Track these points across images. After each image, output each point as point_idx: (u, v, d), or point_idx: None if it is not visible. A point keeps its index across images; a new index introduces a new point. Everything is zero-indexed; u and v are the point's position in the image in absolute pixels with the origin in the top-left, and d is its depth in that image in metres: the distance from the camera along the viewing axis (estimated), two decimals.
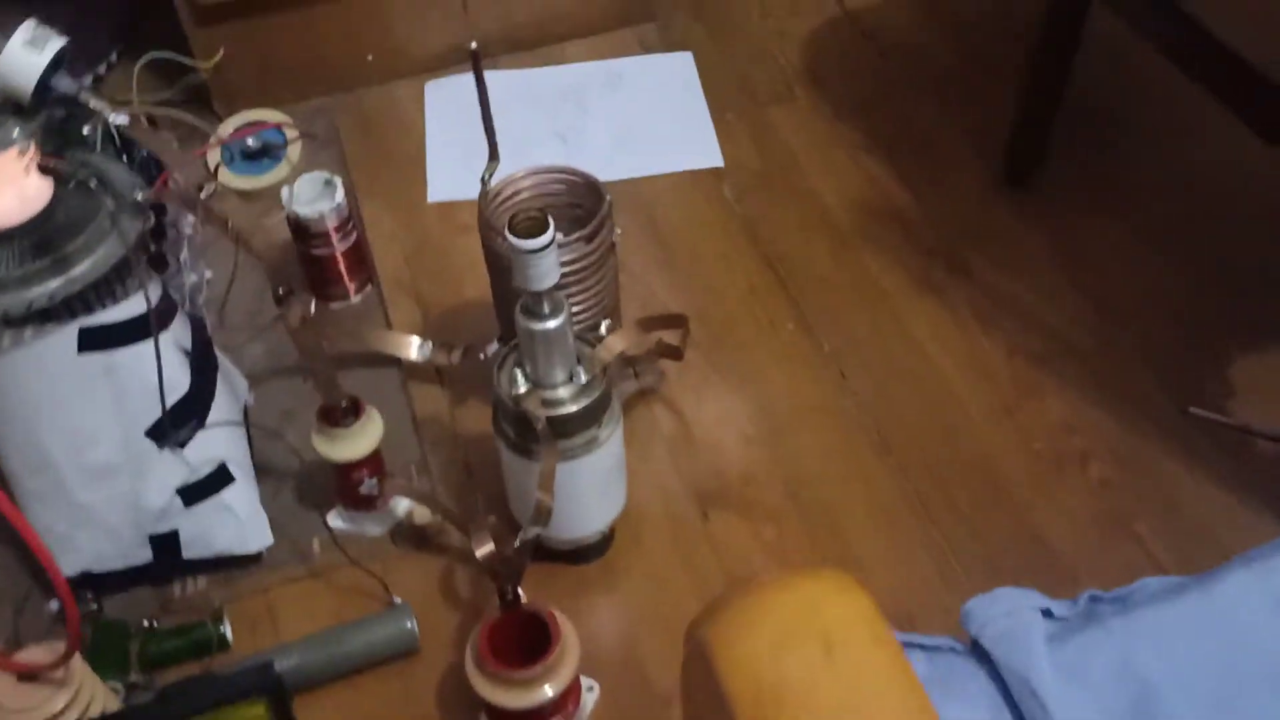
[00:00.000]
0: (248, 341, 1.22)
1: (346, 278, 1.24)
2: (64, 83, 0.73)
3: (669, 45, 1.55)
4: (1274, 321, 1.18)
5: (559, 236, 1.07)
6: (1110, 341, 1.16)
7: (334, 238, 1.19)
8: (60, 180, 0.76)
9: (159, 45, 1.43)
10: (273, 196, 1.33)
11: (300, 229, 1.18)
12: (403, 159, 1.42)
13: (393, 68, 1.51)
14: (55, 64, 0.73)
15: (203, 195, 0.77)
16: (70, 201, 0.79)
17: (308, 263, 1.22)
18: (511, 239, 0.81)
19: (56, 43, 0.72)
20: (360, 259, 1.24)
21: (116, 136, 0.78)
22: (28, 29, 0.72)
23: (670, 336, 1.09)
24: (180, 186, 0.78)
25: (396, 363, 1.18)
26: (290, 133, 1.39)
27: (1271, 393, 1.11)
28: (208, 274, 1.25)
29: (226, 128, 1.37)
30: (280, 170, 1.37)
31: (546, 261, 0.82)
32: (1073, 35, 1.17)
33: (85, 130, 0.81)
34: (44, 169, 0.75)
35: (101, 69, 1.55)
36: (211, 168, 1.35)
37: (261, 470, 1.08)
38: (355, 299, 1.25)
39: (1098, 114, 1.39)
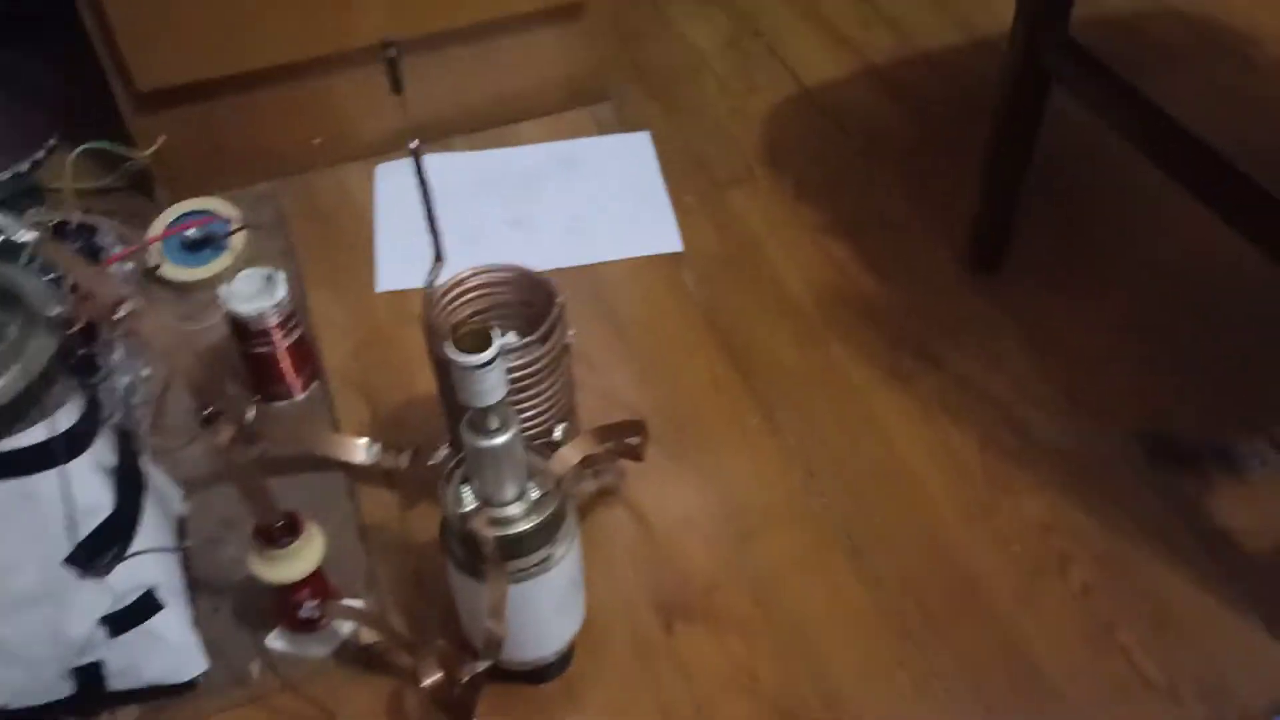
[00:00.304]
0: (186, 444, 1.15)
1: (291, 375, 1.18)
2: None
3: (625, 125, 1.52)
4: (1254, 410, 1.14)
5: (510, 337, 1.02)
6: (1086, 434, 1.12)
7: (276, 335, 1.14)
8: None
9: (100, 130, 1.39)
10: (215, 288, 1.27)
11: (239, 327, 1.13)
12: (352, 245, 1.37)
13: (342, 151, 1.47)
14: None
15: (120, 314, 0.71)
16: None
17: (249, 361, 1.16)
18: (453, 354, 0.76)
19: None
20: (305, 355, 1.19)
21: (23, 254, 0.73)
22: None
23: (629, 439, 1.04)
24: (95, 304, 0.73)
25: (343, 465, 1.12)
26: (234, 221, 1.34)
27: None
28: (144, 372, 1.21)
29: (159, 225, 1.32)
30: (224, 259, 1.32)
31: (492, 377, 0.77)
32: (1033, 118, 1.14)
33: None
34: None
35: (40, 154, 1.50)
36: (138, 271, 1.30)
37: (198, 585, 1.02)
38: (300, 396, 1.20)
39: (1065, 193, 1.36)
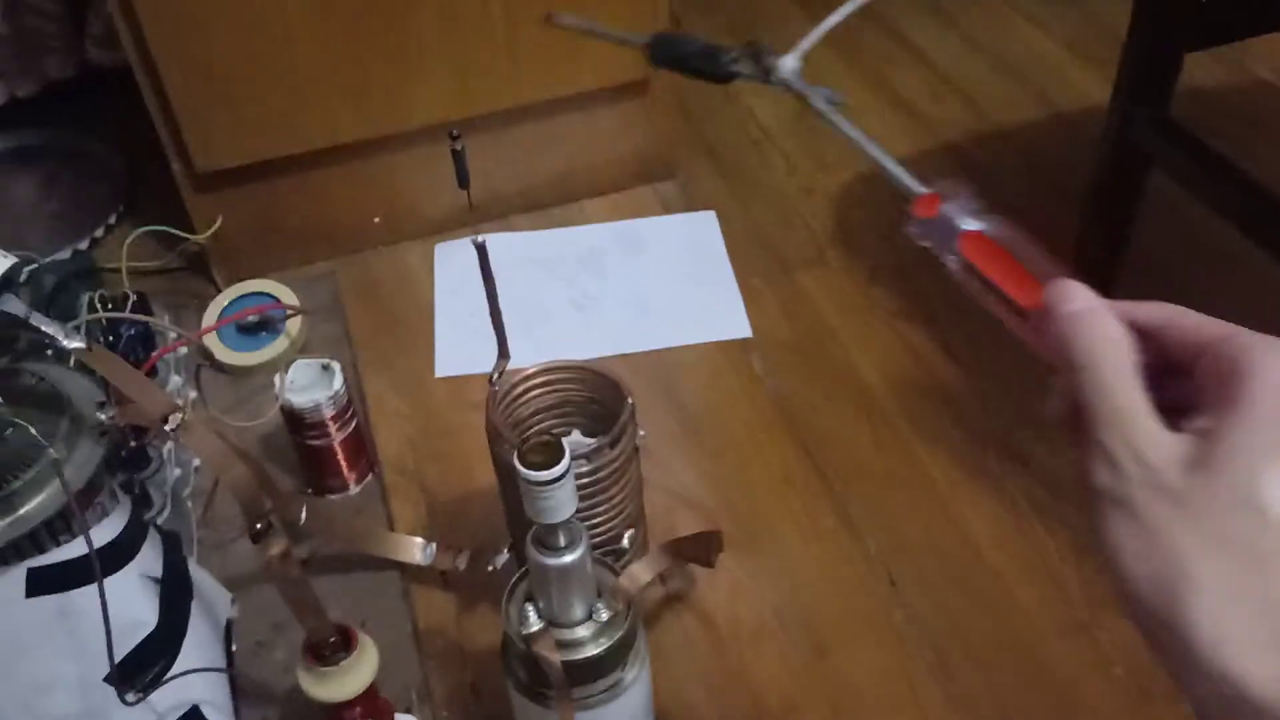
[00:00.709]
0: (237, 538, 1.11)
1: (345, 468, 1.14)
2: (12, 304, 0.65)
3: (691, 204, 1.47)
4: None
5: (576, 435, 0.97)
6: None
7: (331, 427, 1.09)
8: None
9: (158, 209, 1.38)
10: (270, 372, 1.24)
11: (294, 419, 1.09)
12: (410, 328, 1.33)
13: (401, 229, 1.44)
14: (3, 285, 0.64)
15: (169, 427, 0.67)
16: (18, 430, 0.70)
17: (303, 452, 1.12)
18: (521, 469, 0.70)
19: (2, 263, 0.64)
20: (360, 447, 1.14)
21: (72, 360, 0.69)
22: None
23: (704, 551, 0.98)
24: (144, 415, 0.69)
25: (397, 565, 1.07)
26: (290, 304, 1.30)
27: None
28: (195, 462, 1.17)
29: (214, 309, 1.29)
30: (279, 344, 1.28)
31: (561, 493, 0.71)
32: (1129, 201, 1.08)
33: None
34: None
35: (99, 232, 1.49)
36: (191, 357, 1.27)
37: (245, 693, 0.97)
38: (354, 490, 1.15)
39: (1162, 278, 1.29)
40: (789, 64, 0.59)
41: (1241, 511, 0.37)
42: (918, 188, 0.50)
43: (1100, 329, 0.42)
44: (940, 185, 0.49)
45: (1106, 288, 1.17)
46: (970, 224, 0.48)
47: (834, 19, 0.61)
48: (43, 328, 0.65)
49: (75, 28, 1.59)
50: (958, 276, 0.48)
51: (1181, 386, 0.41)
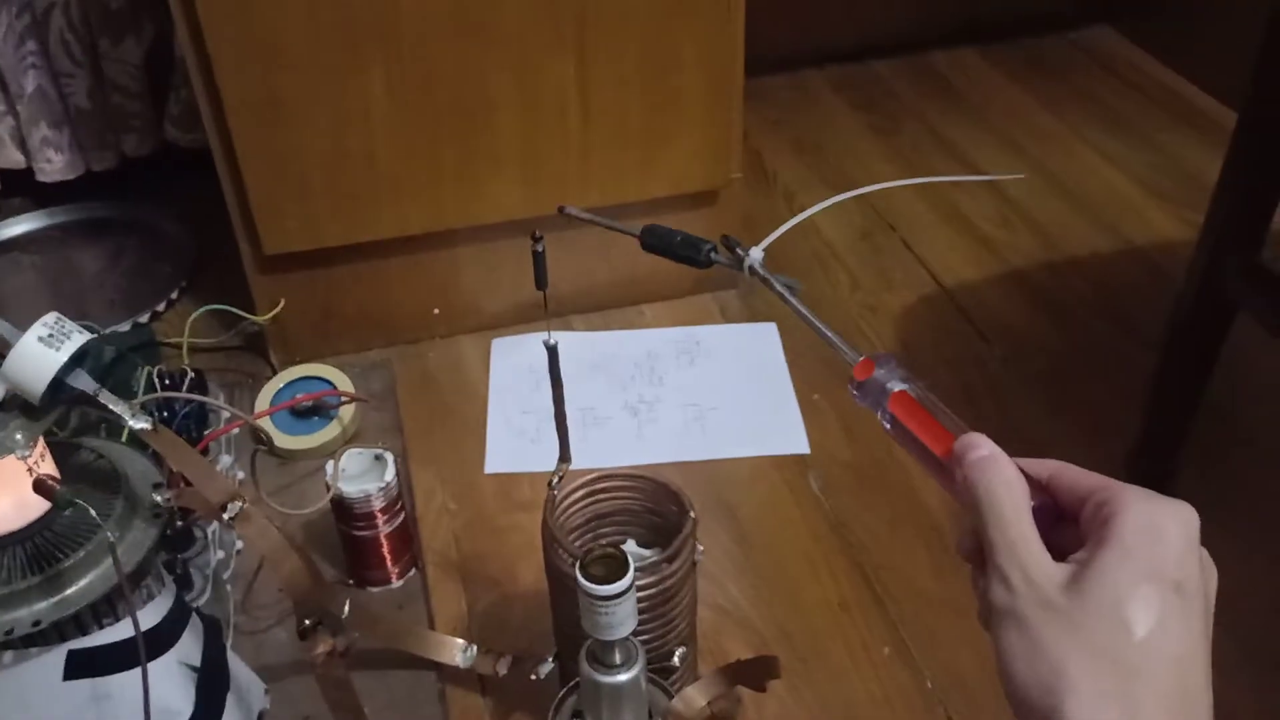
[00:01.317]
0: (274, 625, 1.09)
1: (389, 561, 1.11)
2: (82, 380, 0.64)
3: (752, 314, 1.46)
4: None
5: (630, 545, 0.95)
6: (1269, 691, 0.99)
7: (379, 519, 1.07)
8: (55, 504, 0.65)
9: (218, 286, 1.39)
10: (318, 458, 1.23)
11: (343, 508, 1.07)
12: (462, 422, 1.32)
13: (459, 322, 1.44)
14: (75, 360, 0.63)
15: (228, 515, 0.65)
16: (75, 509, 0.68)
17: (348, 542, 1.10)
18: (583, 581, 0.68)
19: (78, 339, 0.63)
20: (405, 540, 1.12)
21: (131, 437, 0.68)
22: (47, 324, 0.63)
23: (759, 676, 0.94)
24: (204, 502, 0.67)
25: (434, 664, 1.04)
26: (346, 391, 1.29)
27: None
28: (238, 544, 1.15)
29: (269, 391, 1.28)
30: (331, 430, 1.27)
31: (623, 609, 0.69)
32: (1210, 349, 1.05)
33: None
34: (38, 488, 0.64)
35: (160, 306, 1.50)
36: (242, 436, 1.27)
37: None
38: (396, 583, 1.13)
39: (1236, 419, 1.25)
40: (755, 254, 0.71)
41: (1111, 626, 0.43)
42: (855, 356, 0.59)
43: (999, 473, 0.49)
44: (874, 354, 0.58)
45: (1183, 427, 1.14)
46: (897, 386, 0.56)
47: (798, 218, 0.72)
48: (111, 406, 0.64)
49: (156, 108, 1.62)
50: (888, 429, 0.56)
51: (1069, 532, 0.48)
